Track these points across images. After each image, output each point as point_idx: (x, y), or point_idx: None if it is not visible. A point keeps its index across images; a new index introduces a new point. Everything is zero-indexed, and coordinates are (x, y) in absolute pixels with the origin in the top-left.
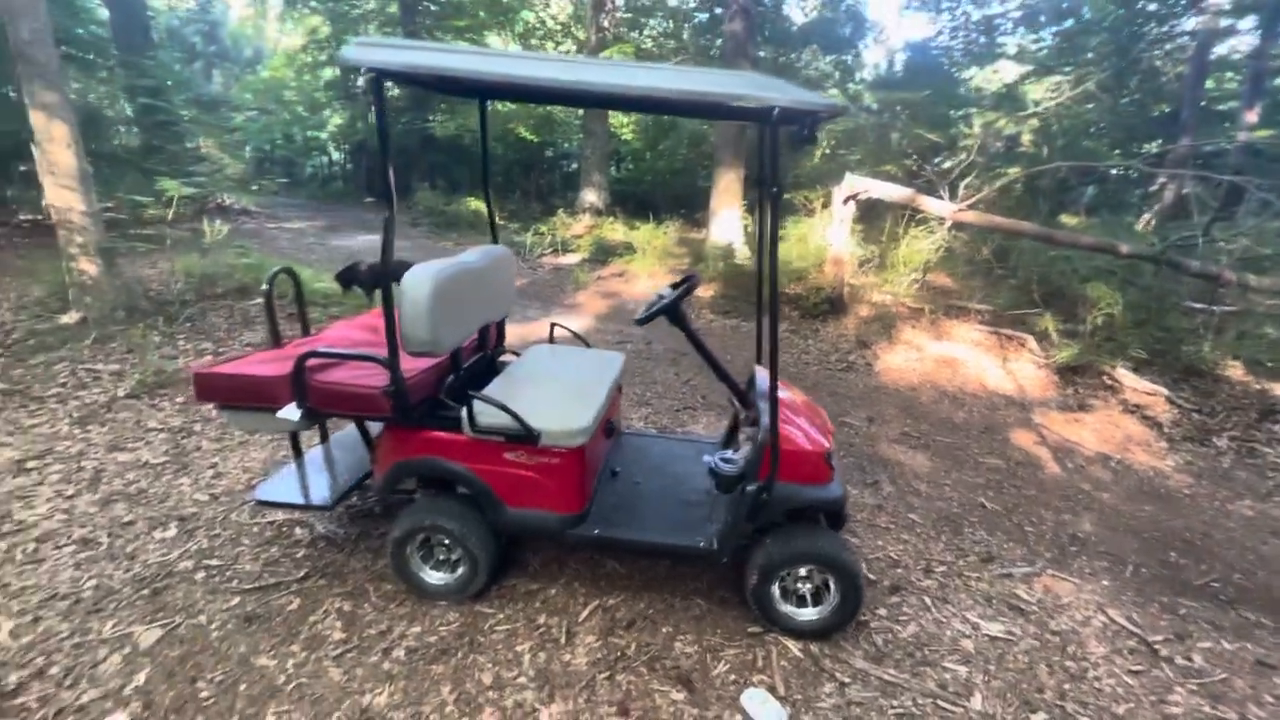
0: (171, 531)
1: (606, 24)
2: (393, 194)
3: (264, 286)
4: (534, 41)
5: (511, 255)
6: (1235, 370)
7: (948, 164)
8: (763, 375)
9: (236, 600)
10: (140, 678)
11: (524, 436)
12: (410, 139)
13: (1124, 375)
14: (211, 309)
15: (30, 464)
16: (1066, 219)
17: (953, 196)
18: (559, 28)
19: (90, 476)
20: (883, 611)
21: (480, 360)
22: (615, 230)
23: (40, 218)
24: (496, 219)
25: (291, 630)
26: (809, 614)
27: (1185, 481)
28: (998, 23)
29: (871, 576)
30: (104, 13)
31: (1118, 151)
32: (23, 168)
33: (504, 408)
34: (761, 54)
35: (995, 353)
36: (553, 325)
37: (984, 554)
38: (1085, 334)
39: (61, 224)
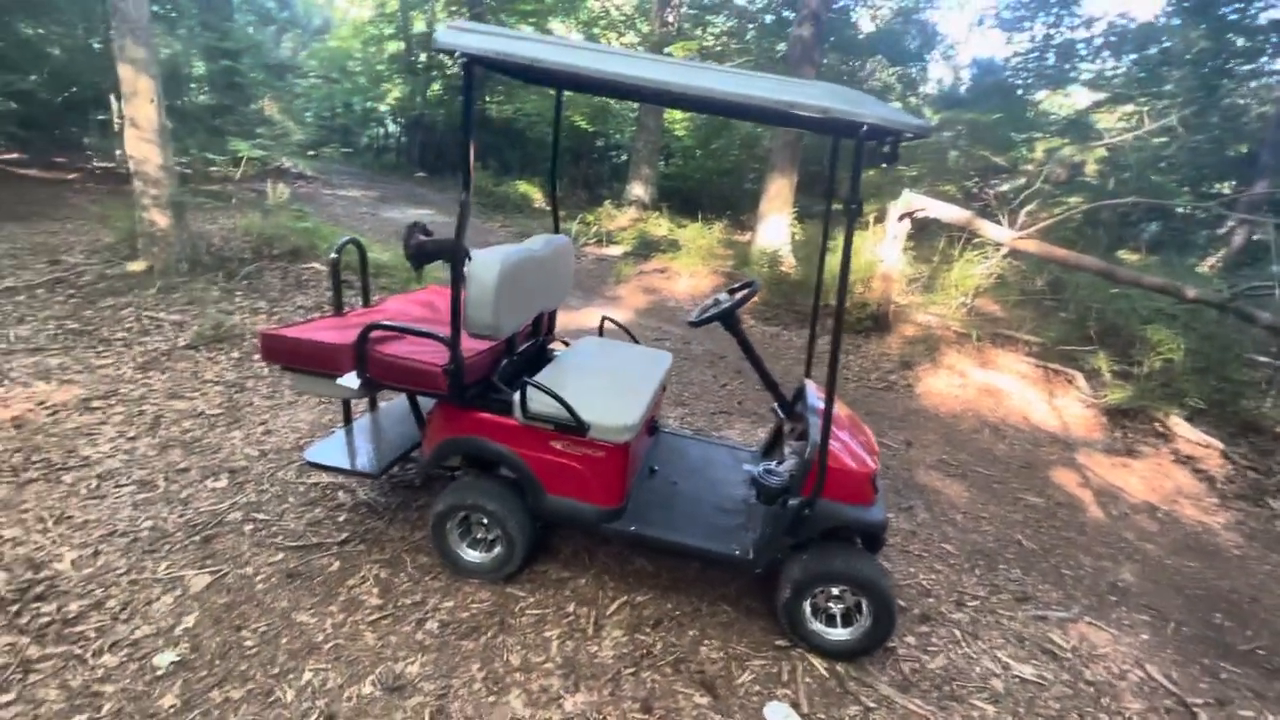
0: (223, 482)
1: (671, 19)
2: (470, 177)
3: (332, 255)
4: (596, 30)
5: (571, 246)
6: None
7: (1005, 188)
8: (813, 389)
9: (281, 556)
10: (190, 620)
11: (573, 427)
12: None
13: (1178, 424)
14: (268, 269)
15: (96, 403)
16: (1126, 255)
17: (1012, 223)
18: (623, 19)
19: (150, 421)
20: (911, 640)
21: (532, 347)
22: (660, 226)
23: (114, 166)
24: (540, 206)
25: (331, 591)
26: (839, 634)
27: (1235, 541)
28: (1077, 46)
29: (902, 603)
30: None
31: (1187, 189)
32: (100, 117)
33: (557, 396)
34: (826, 61)
35: (1041, 387)
36: (603, 319)
37: (1019, 593)
38: (1140, 377)
39: (138, 175)
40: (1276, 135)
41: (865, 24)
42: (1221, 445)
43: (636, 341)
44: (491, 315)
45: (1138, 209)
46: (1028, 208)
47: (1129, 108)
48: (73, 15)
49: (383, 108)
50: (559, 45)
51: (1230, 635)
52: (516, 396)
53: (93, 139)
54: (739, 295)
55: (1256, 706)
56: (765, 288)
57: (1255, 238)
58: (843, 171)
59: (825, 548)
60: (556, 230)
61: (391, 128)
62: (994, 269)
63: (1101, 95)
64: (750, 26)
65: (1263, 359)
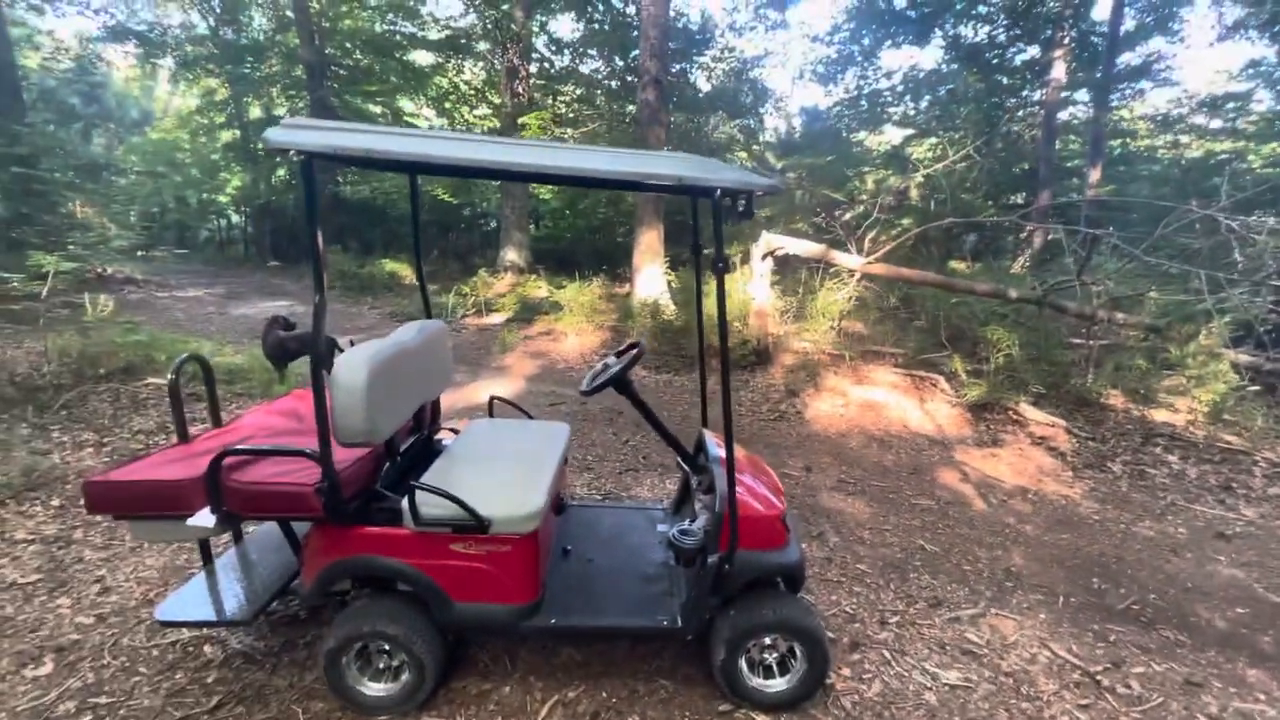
0: (47, 667)
1: (521, 90)
2: (323, 275)
3: (170, 376)
4: (448, 105)
5: (446, 329)
6: (1117, 399)
7: (848, 217)
8: (712, 439)
9: None
10: None
11: (472, 526)
12: (317, 200)
13: (1026, 409)
14: (93, 393)
15: None
16: (955, 265)
17: (859, 250)
18: (473, 93)
19: None
20: (846, 671)
21: (416, 442)
22: (539, 288)
23: None
24: (411, 281)
25: None
26: (778, 684)
27: (1093, 508)
28: (882, 94)
29: (831, 634)
30: None
31: (991, 204)
32: None
33: (450, 496)
34: (673, 120)
35: (912, 394)
36: (492, 398)
37: (932, 599)
38: (989, 373)
39: None
40: (1046, 153)
41: (703, 84)
42: (1064, 422)
43: (529, 416)
44: (364, 422)
45: (957, 225)
46: (869, 235)
47: (933, 140)
48: None
49: (222, 198)
50: (395, 135)
51: (1109, 597)
52: (405, 503)
53: None
54: (626, 358)
55: (1144, 660)
56: (651, 336)
57: (1050, 238)
58: (703, 222)
59: (751, 599)
60: (428, 313)
61: (235, 218)
62: (852, 293)
63: (910, 131)
64: (599, 93)
65: (1077, 341)
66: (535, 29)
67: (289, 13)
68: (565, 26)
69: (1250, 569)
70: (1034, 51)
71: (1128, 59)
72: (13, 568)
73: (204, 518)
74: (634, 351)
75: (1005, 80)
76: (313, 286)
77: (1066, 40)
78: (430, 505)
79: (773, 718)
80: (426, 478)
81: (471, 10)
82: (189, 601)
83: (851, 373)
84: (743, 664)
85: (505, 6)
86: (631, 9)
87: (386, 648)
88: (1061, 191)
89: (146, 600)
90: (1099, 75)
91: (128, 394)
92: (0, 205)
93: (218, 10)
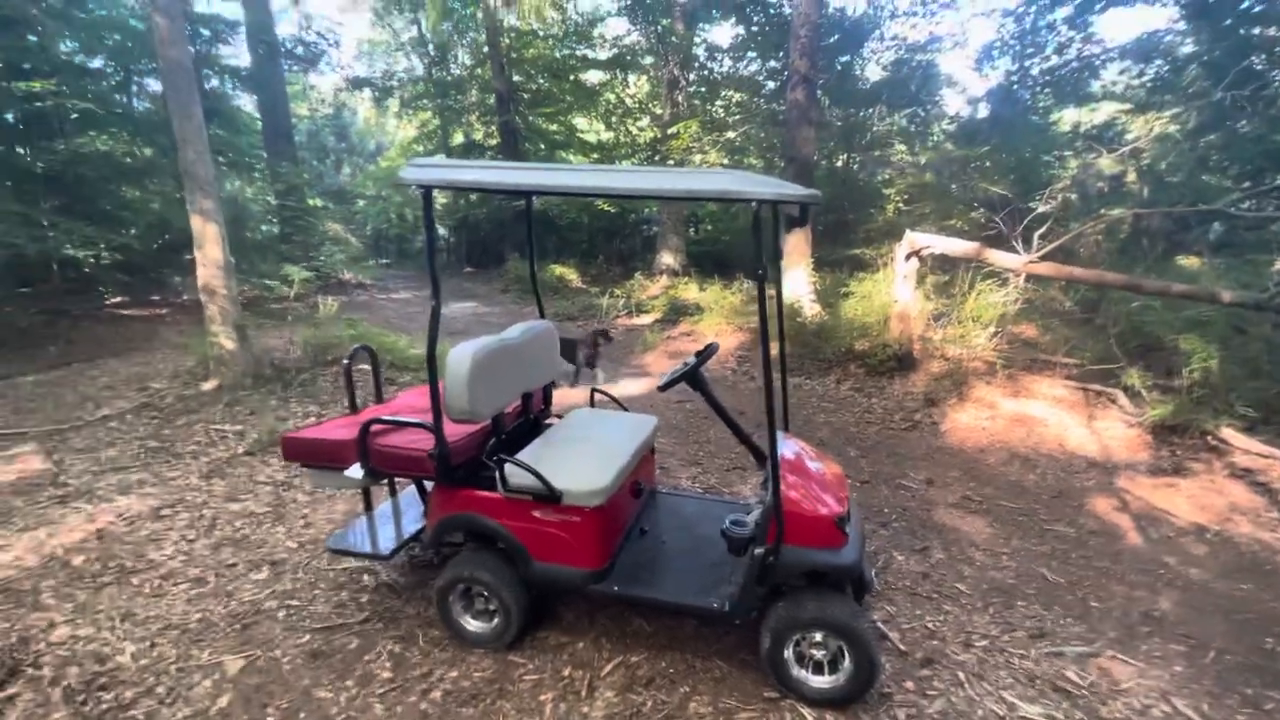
0: (264, 574)
1: (680, 99)
2: (438, 287)
3: (344, 361)
4: (614, 119)
5: (553, 329)
6: None
7: (1039, 209)
8: (785, 439)
9: (307, 638)
10: (224, 701)
11: (547, 496)
12: (505, 214)
13: (1233, 436)
14: (321, 375)
15: (165, 512)
16: (1186, 261)
17: (1027, 247)
18: (637, 105)
19: (208, 523)
20: (910, 684)
21: (523, 424)
22: (689, 290)
23: (198, 298)
24: (577, 285)
25: (348, 667)
26: (822, 681)
27: None
28: (1087, 63)
29: (903, 647)
30: (260, 123)
31: (1245, 185)
32: (189, 257)
33: (530, 469)
34: (833, 114)
35: (1080, 410)
36: (593, 391)
37: (1035, 630)
38: (1181, 389)
39: (207, 305)
40: None
41: (874, 74)
42: None
43: (625, 409)
44: (467, 402)
45: (1193, 213)
46: (1039, 230)
47: (1155, 113)
48: (165, 176)
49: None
50: (494, 169)
51: None
52: (497, 472)
53: (182, 278)
54: (700, 357)
55: None
56: (788, 338)
57: None
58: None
59: (799, 595)
60: (540, 314)
61: (441, 231)
62: (1013, 295)
63: (1126, 105)
64: (755, 96)
65: None
66: (696, 40)
67: (485, 48)
68: (723, 34)
69: None
70: None
71: None
72: (254, 502)
73: (355, 470)
74: (708, 350)
75: (1269, 31)
76: (431, 293)
77: None
78: (516, 475)
79: (818, 714)
80: (523, 454)
81: (636, 28)
82: (351, 536)
83: (1008, 384)
84: (789, 655)
85: (666, 21)
86: (788, 9)
87: (484, 592)
88: None
89: (329, 535)
90: None
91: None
92: (274, 226)
93: (432, 54)
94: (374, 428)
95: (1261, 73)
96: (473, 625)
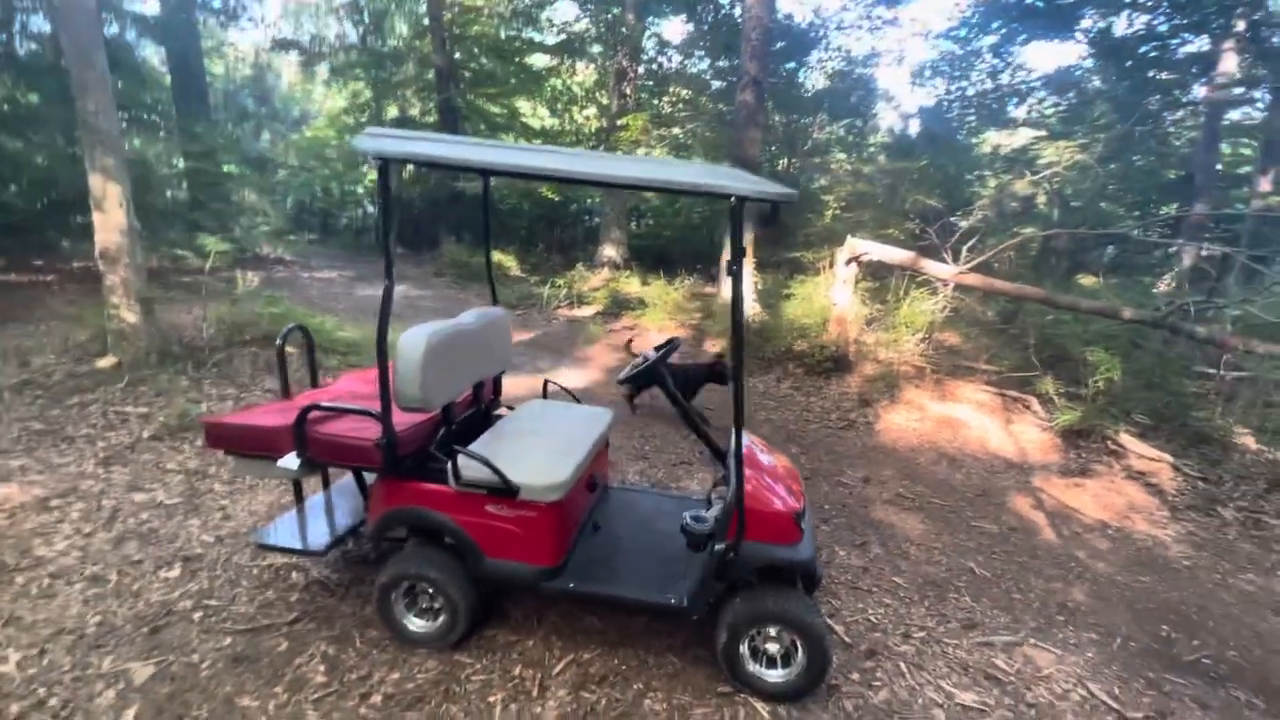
0: (176, 571)
1: (628, 91)
2: (391, 265)
3: (277, 342)
4: (559, 106)
5: (507, 316)
6: (1246, 439)
7: (966, 224)
8: (745, 437)
9: (229, 641)
10: (130, 713)
11: (503, 490)
12: (441, 194)
13: (1128, 440)
14: (238, 355)
15: (54, 502)
16: (1085, 280)
17: (956, 259)
18: (583, 94)
19: (108, 515)
20: (856, 676)
21: (474, 415)
22: (631, 284)
23: (91, 266)
24: (516, 273)
25: (277, 672)
26: (777, 675)
27: (1186, 553)
28: (1013, 88)
29: (848, 640)
30: (170, 79)
31: (1136, 214)
32: (80, 219)
33: (486, 462)
34: (776, 119)
35: (999, 414)
36: (545, 381)
37: (966, 621)
38: (1087, 397)
39: (107, 274)
40: (1206, 159)
41: (815, 83)
42: (1171, 458)
43: (578, 401)
44: (419, 389)
45: (1089, 237)
46: (968, 244)
47: (1065, 142)
48: (53, 128)
49: (360, 190)
50: (457, 144)
51: (1178, 646)
52: (449, 465)
53: (71, 242)
54: (661, 352)
55: (1198, 716)
56: (729, 337)
57: (1203, 254)
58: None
59: (756, 590)
60: (494, 300)
61: (370, 209)
62: (942, 303)
63: (1041, 132)
64: (702, 95)
65: (1209, 371)
66: (645, 31)
67: (426, 20)
68: (674, 29)
69: None
70: (1200, 44)
71: None
72: (163, 491)
73: (290, 460)
74: (669, 345)
75: (1161, 76)
76: (384, 272)
77: (1241, 29)
78: (470, 468)
79: (771, 708)
80: (475, 446)
81: (585, 14)
82: (281, 531)
83: (935, 387)
84: (744, 650)
85: (616, 10)
86: (738, 10)
87: (429, 590)
88: (1224, 202)
89: (254, 529)
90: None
91: (265, 358)
92: (184, 192)
93: (367, 22)
94: (312, 414)
95: (1156, 112)
96: (416, 624)
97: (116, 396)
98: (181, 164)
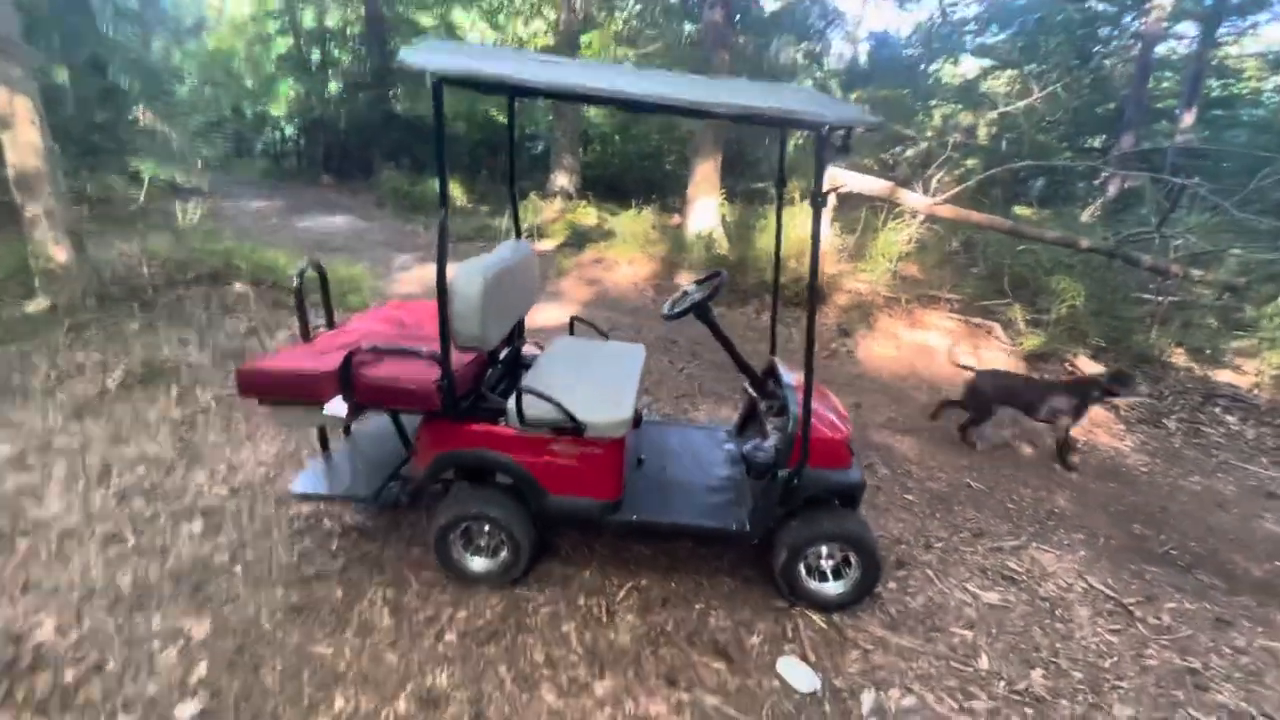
0: (198, 526)
1: (578, 5)
2: (448, 197)
3: (294, 281)
4: (501, 19)
5: (534, 250)
6: (1180, 357)
7: (910, 153)
8: (783, 367)
9: (281, 592)
10: (201, 668)
11: (570, 428)
12: (373, 116)
13: (1083, 362)
14: (186, 296)
15: (30, 459)
16: (1020, 210)
17: (926, 190)
18: (528, 7)
19: (99, 471)
20: (893, 584)
21: (509, 354)
22: (588, 215)
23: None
24: (464, 204)
25: (341, 618)
26: (834, 588)
27: (1143, 460)
28: (965, 20)
29: (880, 553)
30: None
31: (1066, 145)
32: None
33: (552, 400)
34: (741, 40)
35: (967, 340)
36: (573, 319)
37: (975, 529)
38: (1049, 323)
39: (27, 204)
40: (1137, 92)
41: (769, 3)
42: None
43: (606, 337)
44: (479, 327)
45: (1024, 169)
46: (937, 175)
47: (1012, 73)
48: None
49: (276, 111)
50: (527, 60)
51: (1149, 542)
52: (511, 404)
53: None
54: (707, 286)
55: (1178, 599)
56: (700, 267)
57: (1127, 185)
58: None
59: (812, 511)
60: (518, 236)
61: (289, 131)
62: (913, 234)
63: (989, 62)
64: (657, 10)
65: (1147, 296)
66: None
67: None
68: None
69: None
70: None
71: None
72: (152, 444)
73: (336, 406)
74: (715, 280)
75: (1102, 7)
76: (439, 203)
77: None
78: (534, 407)
79: (825, 617)
80: (525, 385)
81: None
82: (316, 479)
83: (906, 316)
84: (801, 568)
85: None
86: None
87: (487, 529)
88: (1148, 136)
89: (268, 479)
90: (1208, 4)
91: (217, 298)
92: (73, 109)
93: None
94: (358, 357)
95: (1095, 45)
96: (476, 563)
97: (61, 343)
98: (65, 77)
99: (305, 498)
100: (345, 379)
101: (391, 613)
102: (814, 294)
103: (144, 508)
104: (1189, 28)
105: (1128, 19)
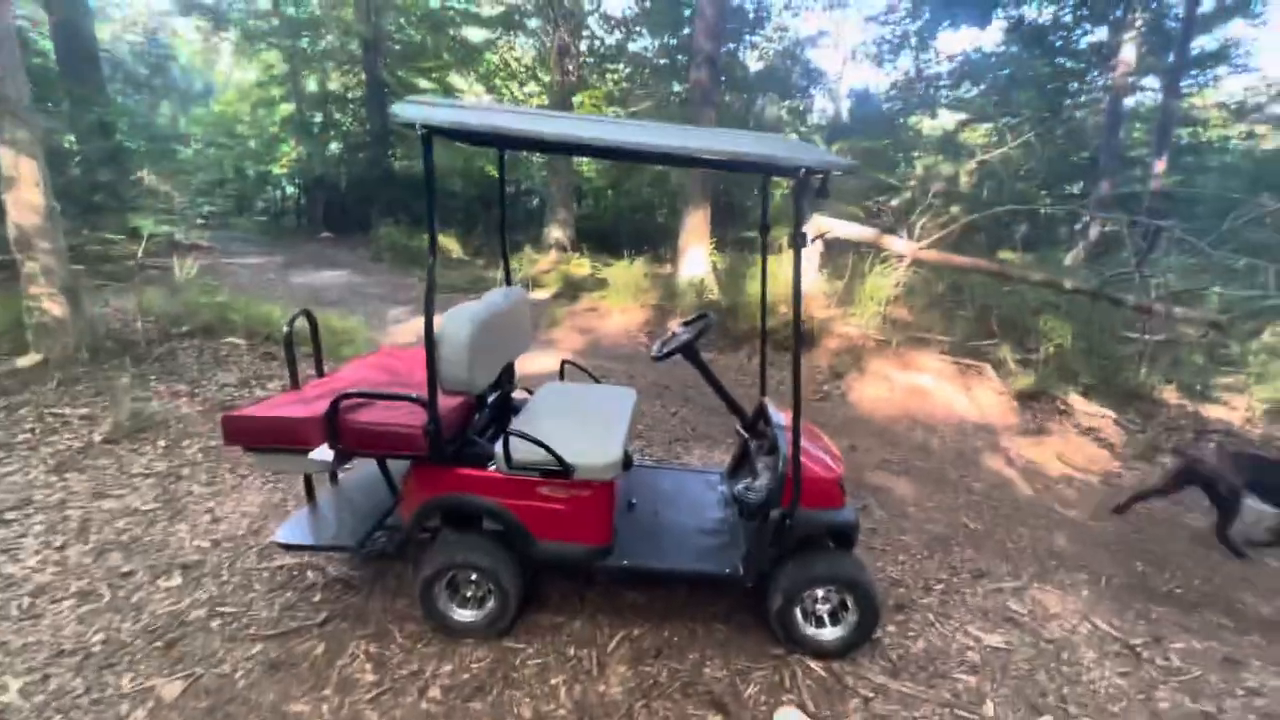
0: (176, 580)
1: (571, 68)
2: (437, 243)
3: (285, 329)
4: (497, 82)
5: (526, 296)
6: (1170, 394)
7: (895, 203)
8: (774, 408)
9: (259, 648)
10: None
11: (558, 471)
12: (372, 173)
13: (1076, 400)
14: (179, 348)
15: (9, 514)
16: (1005, 254)
17: (910, 236)
18: (523, 70)
19: (77, 526)
20: (893, 628)
21: (498, 398)
22: (582, 266)
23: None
24: (459, 256)
25: (320, 675)
26: (830, 633)
27: None
28: (938, 76)
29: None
30: (48, 44)
31: (1046, 193)
32: None
33: (540, 443)
34: (727, 98)
35: (958, 381)
36: (563, 362)
37: (975, 570)
38: (1038, 363)
39: (26, 263)
40: (1109, 141)
41: (753, 64)
42: (1113, 414)
43: (598, 381)
44: (466, 371)
45: (1007, 213)
46: (921, 221)
47: (987, 125)
48: None
49: (278, 170)
50: (517, 114)
51: (1152, 580)
52: (498, 448)
53: None
54: (694, 327)
55: (1185, 638)
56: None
57: (1106, 229)
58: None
59: (807, 554)
60: (509, 282)
61: (290, 190)
62: (901, 278)
63: (964, 116)
64: (647, 71)
65: (1133, 335)
66: (587, 5)
67: None
68: (616, 2)
69: None
70: (1102, 34)
71: (1202, 43)
72: (135, 497)
73: (323, 452)
74: (703, 322)
75: (1069, 64)
76: (428, 249)
77: (1138, 22)
78: (521, 450)
79: (824, 664)
80: (514, 428)
81: None
82: (301, 529)
83: (896, 358)
84: (797, 613)
85: None
86: None
87: (474, 578)
88: (1123, 182)
89: (252, 531)
90: (1171, 60)
91: (210, 350)
92: (79, 171)
93: None
94: (345, 403)
95: (1065, 99)
96: (461, 614)
97: (49, 398)
98: (73, 141)
99: (289, 548)
100: (331, 424)
101: (375, 668)
102: (798, 329)
103: (121, 562)
104: (1155, 80)
105: (1094, 74)
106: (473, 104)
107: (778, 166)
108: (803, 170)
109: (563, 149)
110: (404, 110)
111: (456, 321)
